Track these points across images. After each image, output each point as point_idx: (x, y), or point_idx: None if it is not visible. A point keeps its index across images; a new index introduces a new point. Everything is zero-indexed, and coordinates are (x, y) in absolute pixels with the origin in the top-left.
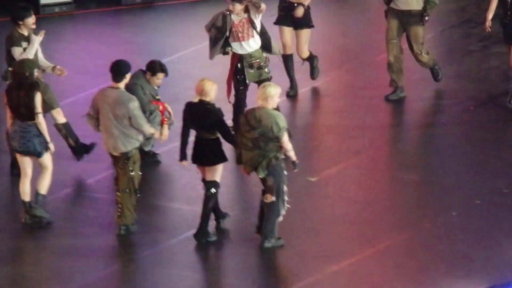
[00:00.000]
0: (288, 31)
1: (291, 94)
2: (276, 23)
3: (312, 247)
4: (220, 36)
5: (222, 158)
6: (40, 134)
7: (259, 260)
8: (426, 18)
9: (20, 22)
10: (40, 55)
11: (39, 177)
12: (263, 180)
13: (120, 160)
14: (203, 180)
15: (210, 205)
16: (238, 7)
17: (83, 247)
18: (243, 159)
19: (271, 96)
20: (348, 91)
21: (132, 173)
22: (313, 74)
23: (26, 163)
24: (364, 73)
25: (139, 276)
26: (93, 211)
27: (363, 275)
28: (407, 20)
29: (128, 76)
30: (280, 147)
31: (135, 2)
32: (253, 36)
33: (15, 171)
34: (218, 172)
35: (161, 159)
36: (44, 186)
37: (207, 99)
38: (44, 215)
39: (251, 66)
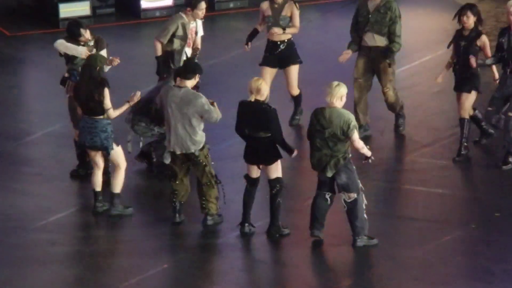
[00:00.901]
0: (269, 71)
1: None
2: (260, 64)
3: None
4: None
5: (278, 155)
6: (106, 130)
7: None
8: (389, 63)
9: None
10: None
11: (112, 176)
12: (331, 180)
13: (190, 158)
14: (247, 176)
15: (278, 201)
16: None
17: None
18: (312, 158)
19: (343, 95)
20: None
21: (207, 167)
22: (292, 120)
23: (97, 156)
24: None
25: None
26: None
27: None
28: (375, 56)
29: (197, 78)
30: (348, 147)
31: (154, 16)
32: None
33: (81, 171)
34: (278, 169)
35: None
36: (117, 185)
37: (262, 98)
38: (125, 212)
39: None
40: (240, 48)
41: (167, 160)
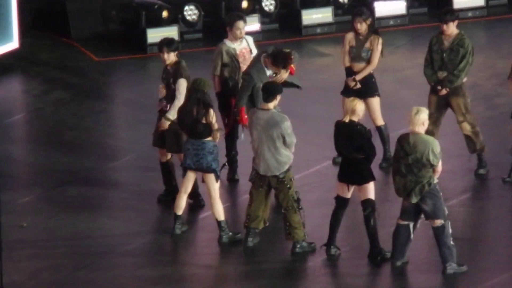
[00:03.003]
0: (347, 101)
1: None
2: (341, 92)
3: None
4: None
5: (371, 177)
6: (213, 151)
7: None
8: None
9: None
10: None
11: (210, 206)
12: (416, 208)
13: (274, 181)
14: (338, 197)
15: (372, 224)
16: None
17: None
18: (396, 184)
19: (425, 120)
20: None
21: (291, 191)
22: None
23: (191, 180)
24: None
25: None
26: None
27: None
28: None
29: (278, 98)
30: (433, 172)
31: None
32: None
33: (163, 197)
34: (370, 191)
35: None
36: (220, 212)
37: (356, 119)
38: (235, 238)
39: None
40: (325, 73)
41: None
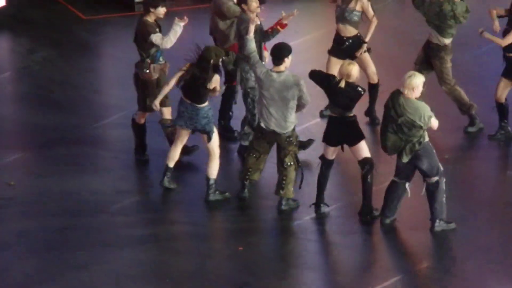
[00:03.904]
0: (335, 62)
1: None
2: (329, 52)
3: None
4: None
5: (362, 135)
6: (207, 116)
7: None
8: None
9: (152, 10)
10: None
11: (207, 163)
12: (409, 166)
13: (283, 139)
14: (323, 157)
15: (369, 181)
16: None
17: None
18: (383, 141)
19: (416, 86)
20: None
21: (295, 149)
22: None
23: (184, 135)
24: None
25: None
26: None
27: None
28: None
29: (287, 60)
30: (424, 131)
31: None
32: None
33: (140, 156)
34: (365, 149)
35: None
36: (214, 171)
37: (351, 81)
38: (220, 197)
39: None
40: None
41: (245, 142)
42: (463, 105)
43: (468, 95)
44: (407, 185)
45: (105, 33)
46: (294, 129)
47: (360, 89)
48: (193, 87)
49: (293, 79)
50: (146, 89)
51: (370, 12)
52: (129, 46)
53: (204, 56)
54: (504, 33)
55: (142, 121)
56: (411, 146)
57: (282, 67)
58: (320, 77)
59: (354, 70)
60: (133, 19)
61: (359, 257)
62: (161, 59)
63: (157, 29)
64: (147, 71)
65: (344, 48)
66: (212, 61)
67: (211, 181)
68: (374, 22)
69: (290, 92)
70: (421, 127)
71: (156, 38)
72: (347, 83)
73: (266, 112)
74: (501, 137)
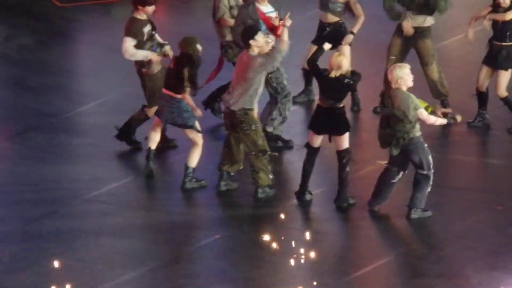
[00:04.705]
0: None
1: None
2: (313, 41)
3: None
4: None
5: (349, 127)
6: (188, 109)
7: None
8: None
9: (140, 7)
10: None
11: (189, 151)
12: (402, 157)
13: (238, 124)
14: (309, 145)
15: (348, 170)
16: None
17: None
18: (378, 135)
19: (400, 78)
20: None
21: (251, 135)
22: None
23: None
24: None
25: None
26: None
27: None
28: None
29: (252, 42)
30: (412, 127)
31: None
32: None
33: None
34: (347, 140)
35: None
36: (194, 159)
37: (340, 72)
38: (197, 185)
39: None
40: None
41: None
42: (441, 87)
43: (448, 80)
44: (400, 173)
45: (81, 20)
46: (247, 114)
47: (347, 80)
48: (173, 79)
49: (251, 59)
50: (151, 84)
51: (357, 7)
52: (105, 33)
53: (181, 47)
54: (493, 26)
55: (151, 114)
56: (397, 140)
57: (251, 50)
58: (315, 69)
59: (344, 61)
60: (108, 7)
61: (336, 244)
62: (158, 51)
63: (148, 26)
64: (146, 68)
65: (325, 35)
66: (187, 51)
67: (189, 170)
68: (362, 18)
69: (249, 73)
70: (409, 121)
71: (126, 41)
72: (337, 74)
73: (232, 91)
74: (479, 125)
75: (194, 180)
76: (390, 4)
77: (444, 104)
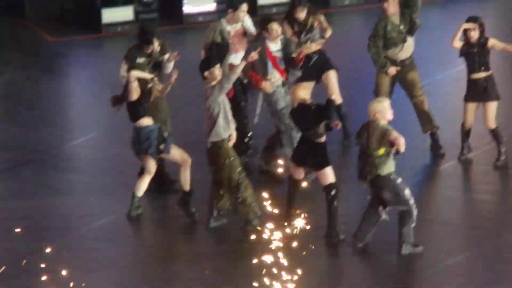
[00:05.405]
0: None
1: None
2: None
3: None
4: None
5: (328, 162)
6: (149, 137)
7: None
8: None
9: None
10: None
11: (179, 176)
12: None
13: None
14: (289, 176)
15: (336, 205)
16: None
17: None
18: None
19: (376, 112)
20: None
21: (225, 169)
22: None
23: (151, 162)
24: None
25: None
26: None
27: None
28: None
29: (209, 74)
30: (381, 163)
31: (197, 21)
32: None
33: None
34: (330, 174)
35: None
36: (141, 189)
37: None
38: (140, 211)
39: None
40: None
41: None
42: (429, 121)
43: (437, 115)
44: (379, 209)
45: (72, 55)
46: (220, 147)
47: (307, 104)
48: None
49: (210, 90)
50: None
51: (324, 23)
52: (96, 68)
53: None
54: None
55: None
56: (366, 174)
57: (210, 82)
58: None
59: (296, 90)
60: (99, 41)
61: (325, 280)
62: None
63: (142, 59)
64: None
65: (311, 65)
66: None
67: (136, 198)
68: (329, 31)
69: (210, 103)
70: (378, 155)
71: (123, 68)
72: (297, 105)
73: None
74: (468, 156)
75: (138, 207)
76: (377, 51)
77: (436, 139)
